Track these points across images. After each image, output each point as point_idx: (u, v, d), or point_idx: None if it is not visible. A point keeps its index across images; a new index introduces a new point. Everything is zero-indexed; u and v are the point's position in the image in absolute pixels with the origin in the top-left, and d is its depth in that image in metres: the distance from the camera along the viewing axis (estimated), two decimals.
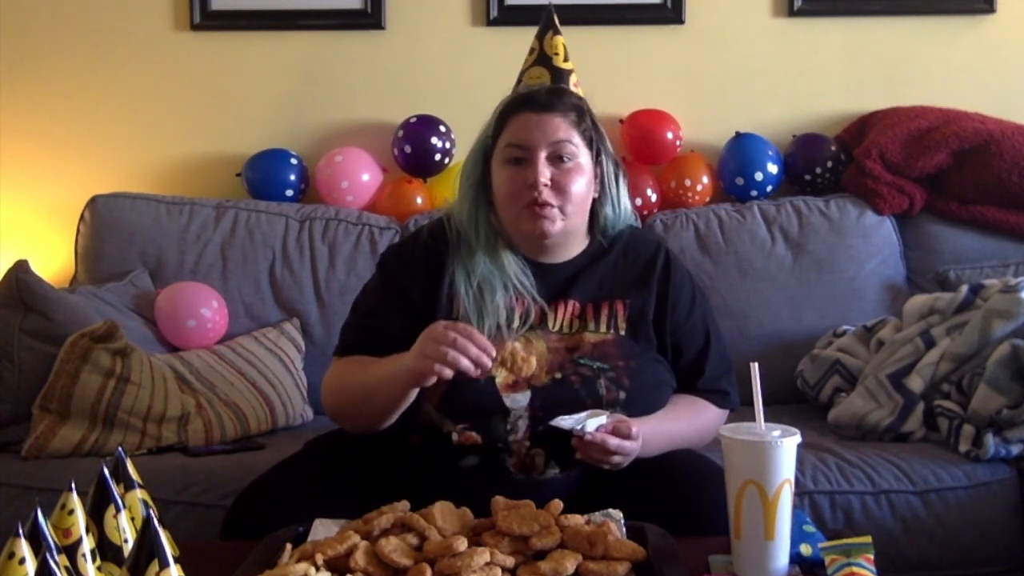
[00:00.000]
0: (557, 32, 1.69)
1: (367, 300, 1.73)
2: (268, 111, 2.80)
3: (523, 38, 2.77)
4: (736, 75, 2.80)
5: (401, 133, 2.69)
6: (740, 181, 2.68)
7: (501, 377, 1.58)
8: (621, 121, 2.75)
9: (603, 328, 1.64)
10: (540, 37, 1.71)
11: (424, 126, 2.68)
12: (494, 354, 1.44)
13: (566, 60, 1.68)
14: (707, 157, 2.76)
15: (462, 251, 1.65)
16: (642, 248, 1.73)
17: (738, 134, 2.73)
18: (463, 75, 2.79)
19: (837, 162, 2.71)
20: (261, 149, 2.73)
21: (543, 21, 1.72)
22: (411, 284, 1.65)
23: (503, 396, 1.57)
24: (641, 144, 2.73)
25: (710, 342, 1.73)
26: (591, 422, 1.49)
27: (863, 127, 2.75)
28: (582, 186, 1.62)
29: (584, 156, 1.63)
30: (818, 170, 2.71)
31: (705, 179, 2.71)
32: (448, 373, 1.42)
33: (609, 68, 2.78)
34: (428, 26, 2.78)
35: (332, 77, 2.79)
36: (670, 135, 2.72)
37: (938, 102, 2.72)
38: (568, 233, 1.65)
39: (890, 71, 2.80)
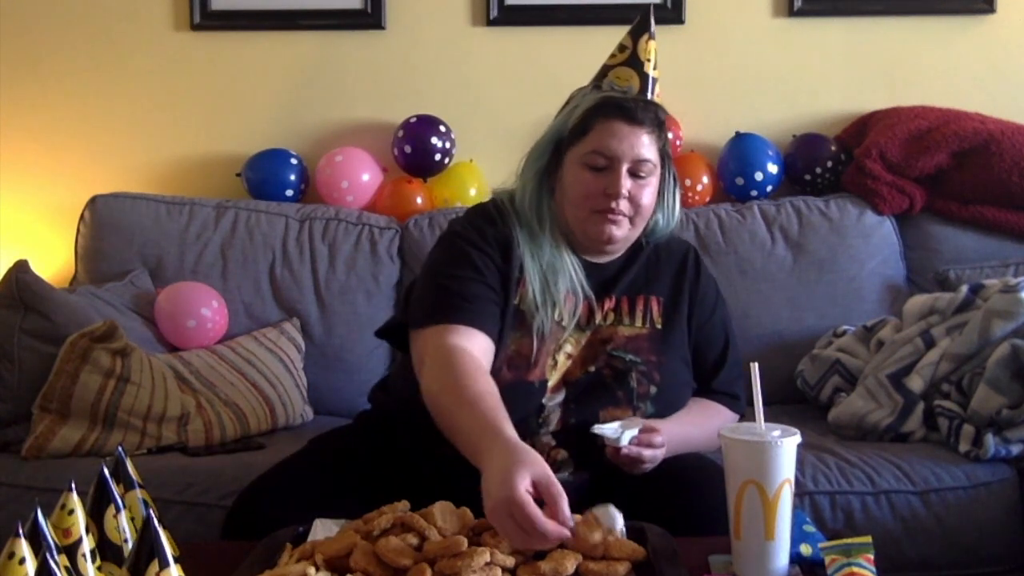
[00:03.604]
0: (652, 37, 1.69)
1: (451, 265, 1.63)
2: (268, 111, 2.80)
3: (523, 38, 2.79)
4: (736, 75, 2.80)
5: (401, 133, 2.69)
6: (740, 181, 2.68)
7: (552, 380, 1.61)
8: None
9: (638, 323, 1.67)
10: (635, 37, 1.69)
11: (424, 126, 2.68)
12: (568, 533, 1.18)
13: (655, 67, 1.69)
14: (707, 157, 2.76)
15: (526, 236, 1.66)
16: (673, 248, 1.77)
17: (738, 134, 2.73)
18: (463, 75, 2.79)
19: (837, 162, 2.71)
20: (261, 149, 2.73)
21: (639, 20, 1.70)
22: (497, 259, 1.63)
23: (547, 396, 1.61)
24: None
25: (728, 345, 1.77)
26: (627, 434, 1.51)
27: (863, 127, 2.75)
28: (652, 198, 1.65)
29: (657, 170, 1.65)
30: (818, 170, 2.71)
31: (705, 179, 2.71)
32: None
33: None
34: (428, 26, 2.78)
35: (332, 77, 2.79)
36: (670, 135, 2.71)
37: (938, 102, 2.72)
38: (629, 239, 1.68)
39: (890, 71, 2.80)
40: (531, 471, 1.20)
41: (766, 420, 1.23)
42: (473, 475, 1.54)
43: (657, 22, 2.72)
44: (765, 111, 2.79)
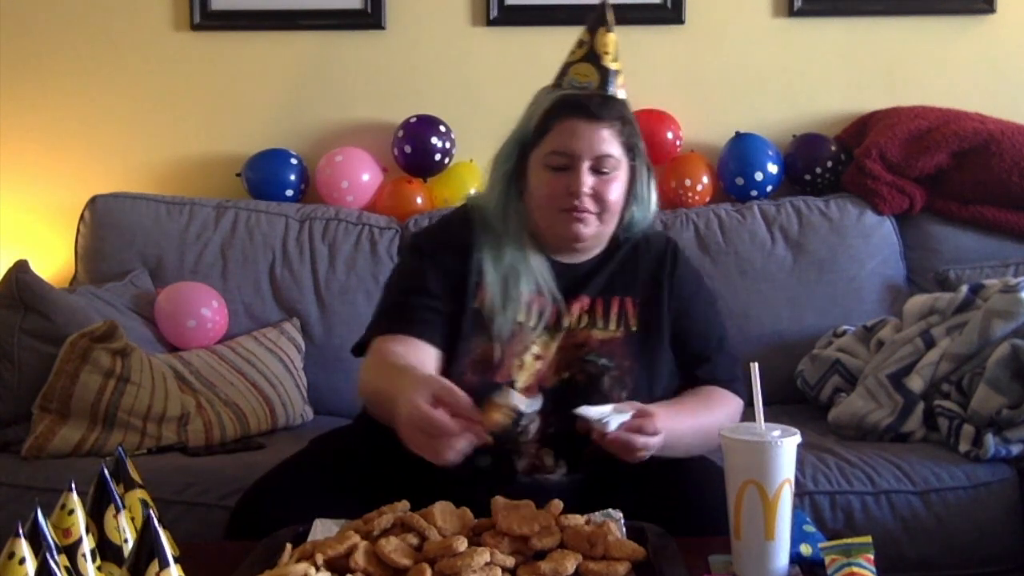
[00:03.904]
0: (609, 29, 1.67)
1: (405, 279, 1.70)
2: (268, 111, 2.80)
3: (523, 38, 2.79)
4: (736, 75, 2.80)
5: (401, 133, 2.69)
6: (740, 181, 2.68)
7: (521, 381, 1.59)
8: None
9: (612, 326, 1.64)
10: (592, 31, 1.68)
11: (424, 126, 2.68)
12: (467, 424, 1.29)
13: (615, 60, 1.67)
14: (707, 157, 2.76)
15: (490, 241, 1.65)
16: (653, 245, 1.73)
17: (738, 134, 2.73)
18: (463, 75, 2.79)
19: (837, 162, 2.71)
20: (261, 149, 2.73)
21: (596, 14, 1.69)
22: (451, 266, 1.65)
23: None
24: None
25: (710, 334, 1.72)
26: (615, 419, 1.42)
27: (863, 127, 2.75)
28: (619, 194, 1.63)
29: (623, 164, 1.63)
30: (818, 170, 2.71)
31: (705, 179, 2.71)
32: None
33: None
34: (428, 26, 2.78)
35: (332, 77, 2.79)
36: (670, 135, 2.72)
37: (938, 102, 2.72)
38: (600, 236, 1.66)
39: (890, 71, 2.80)
40: (429, 388, 1.30)
41: (766, 420, 1.23)
42: (481, 477, 1.54)
43: (657, 22, 2.79)
44: (765, 111, 2.79)
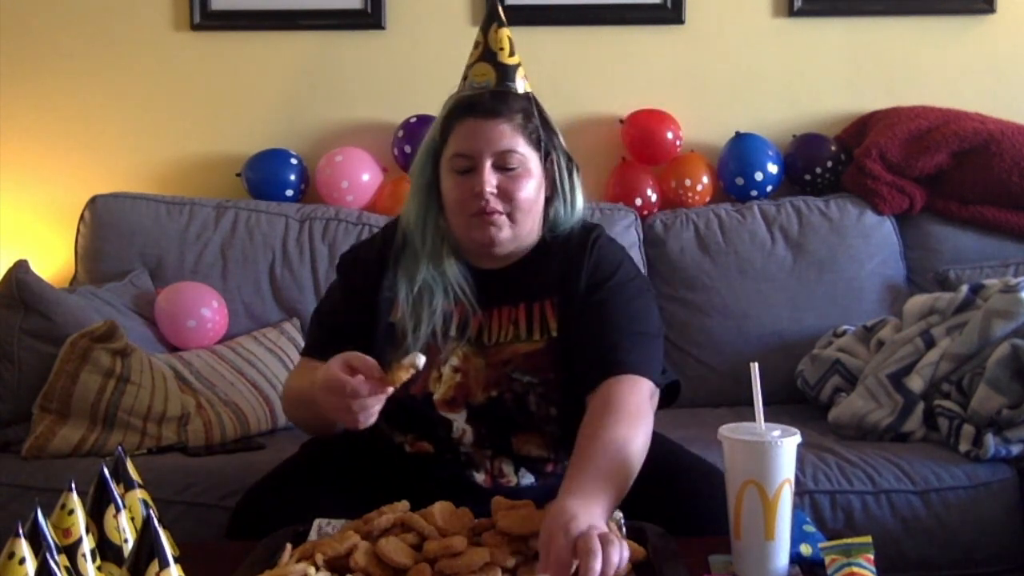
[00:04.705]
0: (502, 25, 1.64)
1: (325, 300, 1.73)
2: (268, 111, 2.80)
3: (523, 38, 2.74)
4: (736, 75, 2.80)
5: (401, 133, 2.69)
6: (740, 181, 2.68)
7: (439, 394, 1.56)
8: (621, 121, 2.75)
9: (536, 335, 1.56)
10: (484, 30, 1.64)
11: (424, 126, 2.67)
12: (370, 378, 1.33)
13: (512, 55, 1.64)
14: (707, 157, 2.76)
15: (407, 255, 1.61)
16: (577, 240, 1.62)
17: (738, 134, 2.73)
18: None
19: (837, 162, 2.71)
20: (261, 149, 2.73)
21: (487, 13, 1.65)
22: (362, 285, 1.63)
23: (441, 413, 1.55)
24: (641, 144, 2.73)
25: (615, 318, 1.53)
26: None
27: (863, 127, 2.75)
28: (530, 191, 1.56)
29: (532, 160, 1.57)
30: (818, 170, 2.71)
31: (705, 179, 2.71)
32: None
33: (609, 68, 2.79)
34: (428, 26, 2.78)
35: (332, 77, 2.79)
36: (670, 135, 2.72)
37: (938, 102, 2.73)
38: (518, 238, 1.59)
39: (890, 71, 2.80)
40: (343, 358, 1.35)
41: (766, 420, 1.23)
42: (446, 489, 1.53)
43: (657, 22, 2.80)
44: (765, 111, 2.79)
